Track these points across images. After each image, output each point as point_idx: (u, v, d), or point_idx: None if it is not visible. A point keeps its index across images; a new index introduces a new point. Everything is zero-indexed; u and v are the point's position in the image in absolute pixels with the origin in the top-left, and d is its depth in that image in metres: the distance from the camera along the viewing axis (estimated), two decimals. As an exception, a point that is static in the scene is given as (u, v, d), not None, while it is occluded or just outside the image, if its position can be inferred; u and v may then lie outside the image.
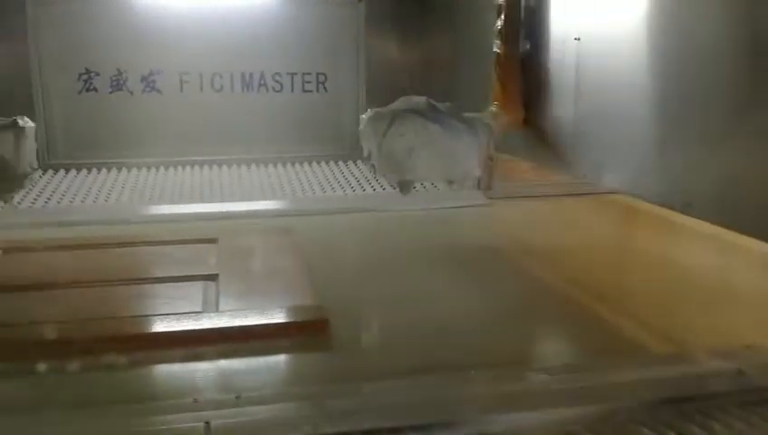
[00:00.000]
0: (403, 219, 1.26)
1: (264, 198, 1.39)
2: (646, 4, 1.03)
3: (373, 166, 1.27)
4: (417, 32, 1.71)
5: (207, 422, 0.52)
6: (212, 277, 0.89)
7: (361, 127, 1.29)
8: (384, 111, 1.25)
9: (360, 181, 1.50)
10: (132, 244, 1.05)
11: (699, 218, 0.87)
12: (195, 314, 0.79)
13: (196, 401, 0.56)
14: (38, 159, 1.50)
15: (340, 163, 1.62)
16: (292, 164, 1.61)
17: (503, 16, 1.28)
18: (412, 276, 0.96)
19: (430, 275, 0.97)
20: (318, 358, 0.73)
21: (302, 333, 0.76)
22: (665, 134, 0.99)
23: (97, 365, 0.68)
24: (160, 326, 0.75)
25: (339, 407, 0.56)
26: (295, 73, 1.66)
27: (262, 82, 1.65)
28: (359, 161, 1.61)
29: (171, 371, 0.70)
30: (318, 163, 1.62)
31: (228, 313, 0.79)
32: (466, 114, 1.23)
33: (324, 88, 1.68)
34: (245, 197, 1.40)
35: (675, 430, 0.53)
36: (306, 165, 1.61)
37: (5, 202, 1.14)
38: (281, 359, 0.73)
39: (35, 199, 1.35)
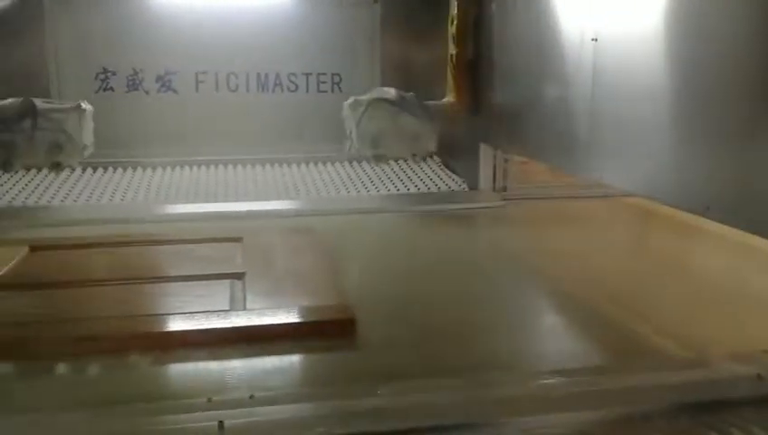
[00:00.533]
0: (419, 220, 1.25)
1: (279, 198, 1.39)
2: (663, 4, 1.03)
3: (352, 141, 1.58)
4: (430, 33, 1.71)
5: (221, 422, 0.52)
6: (238, 276, 0.89)
7: (343, 112, 1.57)
8: (361, 98, 1.57)
9: (374, 181, 1.50)
10: (158, 242, 1.06)
11: (718, 222, 0.85)
12: (223, 312, 0.79)
13: (209, 400, 0.56)
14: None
15: (354, 163, 1.62)
16: (306, 164, 1.61)
17: (455, 23, 1.52)
18: (431, 277, 0.96)
19: (449, 276, 0.97)
20: (345, 357, 0.73)
21: (329, 333, 0.76)
22: (682, 136, 0.98)
23: (125, 363, 0.69)
24: (189, 324, 0.75)
25: (353, 408, 0.56)
26: (310, 74, 1.66)
27: (277, 83, 1.66)
28: (372, 163, 1.61)
29: (199, 368, 0.70)
30: (332, 163, 1.62)
31: (256, 311, 0.79)
32: (426, 102, 1.57)
33: (339, 88, 1.68)
34: (261, 196, 1.40)
35: (692, 435, 0.52)
36: (320, 165, 1.61)
37: (72, 168, 1.48)
38: (309, 358, 0.72)
39: (53, 197, 1.36)
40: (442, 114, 1.56)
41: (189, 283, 0.89)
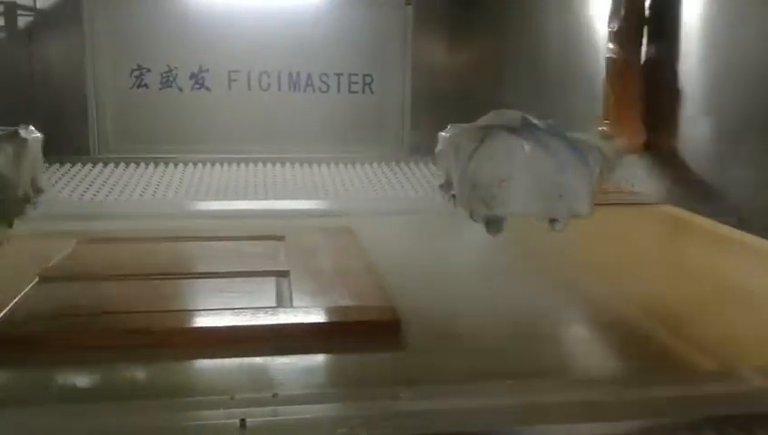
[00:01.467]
0: (449, 223, 1.24)
1: (311, 197, 1.40)
2: (700, 13, 1.01)
3: (453, 196, 0.97)
4: (469, 33, 1.70)
5: (243, 420, 0.52)
6: (283, 273, 0.90)
7: (439, 147, 0.98)
8: (469, 127, 0.93)
9: (402, 183, 1.50)
10: (201, 238, 1.07)
11: (754, 235, 0.83)
12: (270, 308, 0.80)
13: (232, 398, 0.57)
14: (92, 152, 1.55)
15: (383, 165, 1.62)
16: (336, 165, 1.62)
17: (622, 13, 1.03)
18: (471, 280, 0.97)
19: (482, 280, 0.97)
20: (390, 358, 0.73)
21: (375, 333, 0.76)
22: (720, 146, 0.96)
23: (170, 357, 0.69)
24: (237, 320, 0.76)
25: (376, 410, 0.56)
26: (342, 74, 1.67)
27: (309, 83, 1.67)
28: (402, 164, 1.61)
29: (245, 365, 0.70)
30: (362, 165, 1.62)
31: (302, 309, 0.80)
32: (572, 134, 0.93)
33: (370, 89, 1.68)
34: (294, 195, 1.41)
35: (717, 451, 0.51)
36: (350, 166, 1.62)
37: (5, 228, 0.87)
38: (355, 358, 0.72)
39: (84, 190, 1.38)
40: (598, 153, 0.95)
41: (235, 279, 0.90)
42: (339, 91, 1.67)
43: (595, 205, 1.28)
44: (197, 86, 1.62)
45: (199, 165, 1.58)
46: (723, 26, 0.93)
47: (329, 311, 0.79)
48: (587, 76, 1.17)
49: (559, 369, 0.72)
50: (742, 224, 0.84)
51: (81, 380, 0.66)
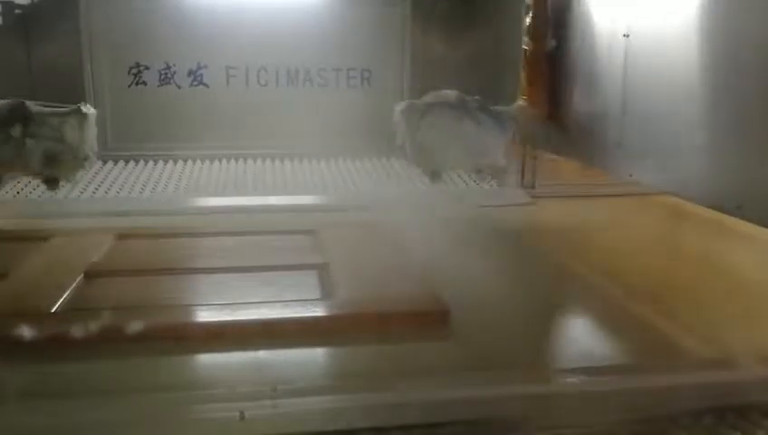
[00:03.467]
0: (451, 217, 1.24)
1: (314, 193, 1.40)
2: (697, 2, 1.01)
3: (405, 155, 1.26)
4: (463, 28, 1.70)
5: (242, 412, 0.52)
6: (323, 266, 0.90)
7: (395, 118, 1.27)
8: (417, 103, 1.25)
9: (402, 178, 1.50)
10: (236, 233, 1.07)
11: (749, 221, 0.84)
12: (316, 301, 0.80)
13: (232, 391, 0.57)
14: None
15: (383, 159, 1.61)
16: (335, 159, 1.61)
17: (531, 14, 1.36)
18: (504, 270, 0.97)
19: (514, 270, 0.97)
20: (442, 348, 0.73)
21: (425, 323, 0.76)
22: (716, 135, 0.96)
23: (218, 349, 0.70)
24: (286, 313, 0.77)
25: (375, 401, 0.56)
26: (340, 69, 1.67)
27: (307, 78, 1.66)
28: (401, 157, 1.61)
29: (296, 356, 0.71)
30: (360, 159, 1.62)
31: (348, 301, 0.80)
32: (494, 108, 1.25)
33: (369, 84, 1.68)
34: (293, 191, 1.41)
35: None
36: (349, 160, 1.61)
37: (69, 182, 1.23)
38: (406, 347, 0.72)
39: (86, 187, 1.38)
40: (513, 121, 1.30)
41: (277, 272, 0.90)
42: (337, 86, 1.67)
43: (595, 196, 1.29)
44: (196, 83, 1.62)
45: (198, 161, 1.58)
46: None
47: (375, 302, 0.79)
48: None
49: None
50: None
51: (135, 371, 0.66)
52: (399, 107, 1.26)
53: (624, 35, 1.17)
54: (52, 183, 1.15)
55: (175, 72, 1.61)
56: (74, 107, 1.17)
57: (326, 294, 0.82)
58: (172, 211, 1.25)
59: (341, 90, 1.67)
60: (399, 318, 0.76)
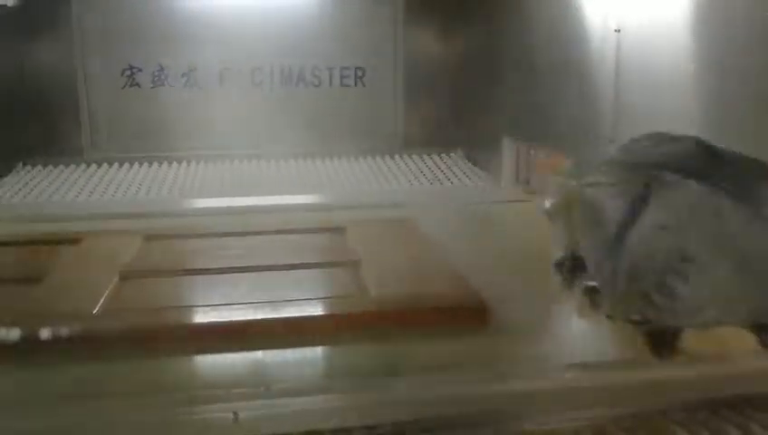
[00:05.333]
0: (446, 216, 1.24)
1: (312, 192, 1.40)
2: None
3: (590, 291, 0.64)
4: (461, 25, 1.69)
5: (236, 413, 0.52)
6: (355, 264, 0.89)
7: (554, 201, 0.66)
8: (613, 164, 0.57)
9: (398, 176, 1.50)
10: (264, 232, 1.07)
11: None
12: (352, 297, 0.80)
13: (225, 391, 0.57)
14: (84, 153, 1.55)
15: (378, 158, 1.62)
16: (330, 158, 1.62)
17: None
18: (533, 266, 0.93)
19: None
20: (482, 344, 0.72)
21: (464, 319, 0.75)
22: (706, 132, 0.96)
23: (256, 347, 0.69)
24: (325, 309, 0.77)
25: (368, 400, 0.56)
26: (333, 68, 1.66)
27: (301, 77, 1.66)
28: (395, 156, 1.61)
29: (341, 353, 0.70)
30: (356, 158, 1.62)
31: (385, 297, 0.79)
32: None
33: (362, 83, 1.68)
34: (300, 190, 1.41)
35: (711, 431, 0.51)
36: (344, 159, 1.62)
37: None
38: (447, 344, 0.71)
39: (79, 192, 1.38)
40: None
41: (310, 270, 0.90)
42: (331, 84, 1.67)
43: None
44: (189, 84, 1.62)
45: (193, 163, 1.58)
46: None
47: (414, 298, 0.79)
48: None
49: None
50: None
51: (178, 373, 0.66)
52: (567, 174, 0.64)
53: (615, 30, 1.17)
54: None
55: (168, 74, 1.61)
56: None
57: (362, 290, 0.82)
58: (195, 212, 1.26)
59: (335, 88, 1.67)
60: (440, 314, 0.76)
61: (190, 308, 0.78)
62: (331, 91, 1.67)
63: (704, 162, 0.51)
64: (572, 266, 0.60)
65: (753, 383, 0.58)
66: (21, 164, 1.53)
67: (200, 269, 0.90)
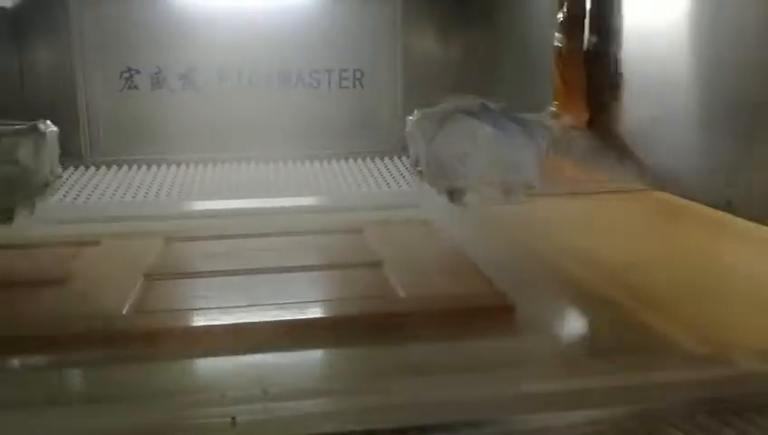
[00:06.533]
0: (456, 215, 1.23)
1: (313, 194, 1.40)
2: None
3: (420, 172, 1.09)
4: (459, 27, 1.69)
5: (233, 417, 0.52)
6: (377, 264, 0.89)
7: (408, 129, 1.12)
8: (432, 111, 1.08)
9: (396, 178, 1.50)
10: (284, 233, 1.06)
11: (739, 217, 0.84)
12: (379, 298, 0.79)
13: (223, 395, 0.57)
14: (83, 155, 1.55)
15: (377, 160, 1.61)
16: (329, 161, 1.62)
17: (565, 6, 1.17)
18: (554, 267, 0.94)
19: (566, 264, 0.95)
20: (509, 344, 0.72)
21: (489, 319, 0.75)
22: (709, 131, 0.96)
23: (297, 348, 0.69)
24: (352, 310, 0.76)
25: (366, 404, 0.56)
26: (332, 70, 1.66)
27: (299, 79, 1.66)
28: (395, 157, 1.61)
29: (368, 354, 0.70)
30: (354, 160, 1.62)
31: (410, 298, 0.79)
32: (523, 115, 1.08)
33: (361, 84, 1.68)
34: (293, 193, 1.41)
35: (709, 434, 0.51)
36: (343, 161, 1.61)
37: (29, 212, 1.04)
38: (472, 344, 0.71)
39: (77, 193, 1.38)
40: (546, 131, 1.13)
41: (333, 271, 0.90)
42: (329, 86, 1.67)
43: (591, 193, 1.29)
44: (188, 86, 1.62)
45: (193, 165, 1.58)
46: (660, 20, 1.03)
47: (441, 298, 0.78)
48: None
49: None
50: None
51: (205, 373, 0.67)
52: (413, 117, 1.11)
53: None
54: (4, 214, 1.00)
55: (166, 76, 1.61)
56: (30, 124, 1.02)
57: (388, 291, 0.81)
58: (210, 214, 1.25)
59: (334, 90, 1.67)
60: (465, 314, 0.75)
61: (219, 309, 0.77)
62: (329, 94, 1.67)
63: (479, 110, 1.04)
64: (415, 164, 1.07)
65: (753, 385, 0.58)
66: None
67: (224, 271, 0.89)
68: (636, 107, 1.15)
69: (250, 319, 0.73)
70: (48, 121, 1.05)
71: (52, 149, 1.03)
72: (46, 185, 1.03)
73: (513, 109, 1.07)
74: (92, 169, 1.53)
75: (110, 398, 0.60)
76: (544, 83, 1.29)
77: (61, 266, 0.89)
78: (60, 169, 1.07)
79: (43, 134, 1.02)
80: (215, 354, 0.68)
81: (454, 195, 1.06)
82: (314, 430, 0.51)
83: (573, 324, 0.80)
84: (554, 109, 1.20)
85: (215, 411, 0.54)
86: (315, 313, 0.76)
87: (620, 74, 1.13)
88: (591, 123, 1.19)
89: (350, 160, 1.62)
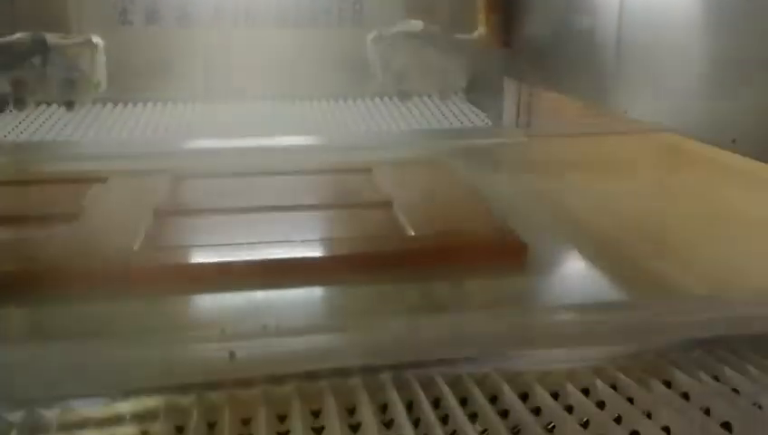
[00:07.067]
0: (445, 156, 1.22)
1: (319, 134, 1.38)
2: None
3: (377, 78, 1.43)
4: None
5: (232, 352, 0.52)
6: (388, 204, 0.89)
7: (367, 46, 1.44)
8: (386, 31, 1.43)
9: (395, 118, 1.48)
10: (293, 172, 1.06)
11: (744, 155, 0.83)
12: (390, 237, 0.80)
13: (223, 331, 0.57)
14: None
15: (377, 100, 1.59)
16: (327, 100, 1.59)
17: None
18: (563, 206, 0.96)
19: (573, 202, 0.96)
20: (520, 282, 0.73)
21: (501, 258, 0.76)
22: (710, 67, 0.94)
23: (310, 285, 0.70)
24: (367, 247, 0.77)
25: (366, 341, 0.56)
26: (331, 5, 1.62)
27: (298, 15, 1.62)
28: (395, 98, 1.58)
29: (381, 291, 0.70)
30: (354, 100, 1.59)
31: (422, 236, 0.79)
32: (455, 36, 1.43)
33: (360, 21, 1.64)
34: (294, 132, 1.38)
35: (707, 372, 0.51)
36: (341, 101, 1.59)
37: (84, 104, 1.38)
38: (487, 282, 0.72)
39: (73, 131, 1.36)
40: (472, 48, 1.45)
41: (343, 210, 0.90)
42: (328, 23, 1.63)
43: (592, 134, 1.28)
44: (183, 23, 1.58)
45: (190, 104, 1.56)
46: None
47: (451, 237, 0.78)
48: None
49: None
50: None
51: (221, 307, 0.68)
52: (370, 36, 1.43)
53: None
54: (69, 106, 1.35)
55: (161, 12, 1.57)
56: (86, 38, 1.35)
57: (398, 231, 0.81)
58: (217, 152, 1.24)
59: (332, 27, 1.63)
60: (478, 252, 0.76)
61: (230, 246, 0.77)
62: (328, 31, 1.63)
63: (420, 31, 1.39)
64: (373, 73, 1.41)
65: (750, 325, 0.58)
66: (12, 102, 1.50)
67: (235, 208, 0.89)
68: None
69: (260, 256, 0.74)
70: (98, 36, 1.35)
71: (101, 58, 1.35)
72: (98, 85, 1.35)
73: (447, 30, 1.41)
74: (88, 105, 1.50)
75: (115, 332, 0.61)
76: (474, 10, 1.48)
77: (72, 202, 0.90)
78: (106, 73, 1.35)
79: (96, 45, 1.34)
80: (225, 290, 0.69)
81: (402, 95, 1.48)
82: (310, 367, 0.51)
83: (577, 265, 0.80)
84: (479, 30, 1.42)
85: (213, 346, 0.54)
86: (325, 251, 0.76)
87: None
88: (509, 43, 1.38)
89: (349, 101, 1.59)
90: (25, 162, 1.18)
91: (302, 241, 0.78)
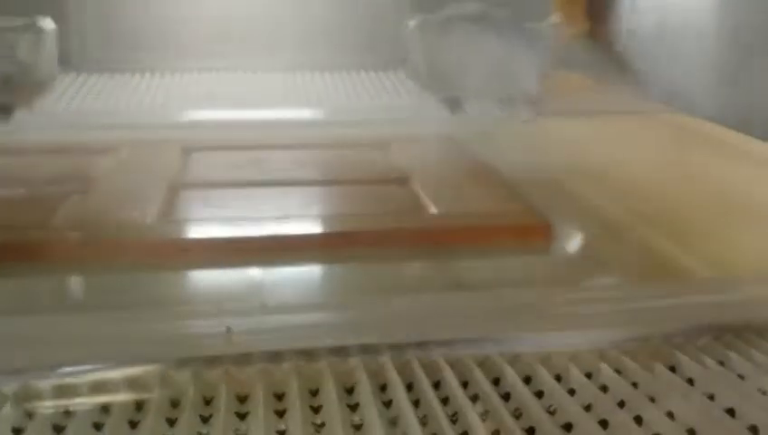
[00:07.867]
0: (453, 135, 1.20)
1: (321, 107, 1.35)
2: None
3: (418, 78, 1.11)
4: None
5: (228, 327, 0.51)
6: (404, 180, 0.87)
7: (407, 35, 1.12)
8: (433, 18, 1.08)
9: (401, 93, 1.45)
10: (309, 146, 1.04)
11: (757, 138, 0.82)
12: (408, 214, 0.78)
13: (219, 307, 0.56)
14: (70, 60, 1.49)
15: (380, 73, 1.56)
16: (330, 72, 1.56)
17: None
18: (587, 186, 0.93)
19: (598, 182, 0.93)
20: (545, 261, 0.72)
21: (525, 237, 0.74)
22: (724, 47, 0.92)
23: (328, 260, 0.70)
24: (382, 224, 0.75)
25: (365, 318, 0.55)
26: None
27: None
28: (399, 71, 1.55)
29: (398, 269, 0.70)
30: (357, 72, 1.56)
31: (441, 215, 0.77)
32: (523, 24, 1.08)
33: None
34: (312, 104, 1.36)
35: (713, 356, 0.50)
36: (344, 73, 1.56)
37: (29, 109, 1.02)
38: (509, 261, 0.71)
39: (69, 102, 1.33)
40: (547, 41, 1.12)
41: (360, 186, 0.88)
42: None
43: (603, 113, 1.25)
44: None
45: (187, 74, 1.53)
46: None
47: (472, 215, 0.77)
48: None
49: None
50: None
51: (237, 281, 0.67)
52: (413, 22, 1.10)
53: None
54: (3, 111, 0.97)
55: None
56: (29, 20, 0.99)
57: (416, 209, 0.79)
58: (228, 124, 1.20)
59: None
60: (496, 232, 0.74)
61: (245, 220, 0.76)
62: (336, 3, 1.60)
63: (480, 17, 0.96)
64: (413, 71, 1.06)
65: (756, 310, 0.58)
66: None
67: (250, 181, 0.87)
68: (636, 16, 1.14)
69: (278, 231, 0.72)
70: (48, 18, 1.01)
71: (50, 47, 1.00)
72: (43, 83, 1.02)
73: (514, 17, 1.06)
74: (84, 75, 1.48)
75: (116, 305, 0.60)
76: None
77: (84, 174, 0.88)
78: (56, 69, 1.04)
79: (41, 30, 0.99)
80: (241, 265, 0.68)
81: (453, 105, 1.06)
82: (309, 344, 0.51)
83: (584, 247, 0.78)
84: (555, 18, 1.14)
85: (212, 323, 0.53)
86: (347, 226, 0.74)
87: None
88: (592, 33, 1.17)
89: (352, 73, 1.56)
90: (22, 126, 1.11)
91: (321, 216, 0.77)
